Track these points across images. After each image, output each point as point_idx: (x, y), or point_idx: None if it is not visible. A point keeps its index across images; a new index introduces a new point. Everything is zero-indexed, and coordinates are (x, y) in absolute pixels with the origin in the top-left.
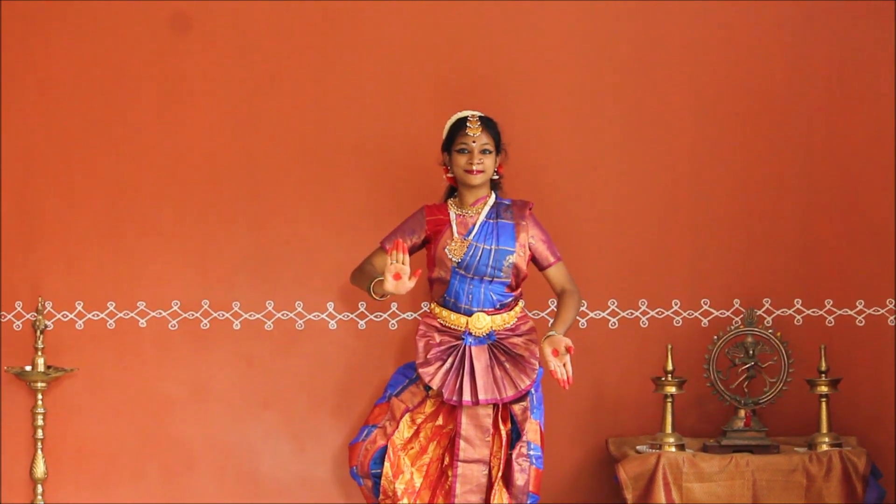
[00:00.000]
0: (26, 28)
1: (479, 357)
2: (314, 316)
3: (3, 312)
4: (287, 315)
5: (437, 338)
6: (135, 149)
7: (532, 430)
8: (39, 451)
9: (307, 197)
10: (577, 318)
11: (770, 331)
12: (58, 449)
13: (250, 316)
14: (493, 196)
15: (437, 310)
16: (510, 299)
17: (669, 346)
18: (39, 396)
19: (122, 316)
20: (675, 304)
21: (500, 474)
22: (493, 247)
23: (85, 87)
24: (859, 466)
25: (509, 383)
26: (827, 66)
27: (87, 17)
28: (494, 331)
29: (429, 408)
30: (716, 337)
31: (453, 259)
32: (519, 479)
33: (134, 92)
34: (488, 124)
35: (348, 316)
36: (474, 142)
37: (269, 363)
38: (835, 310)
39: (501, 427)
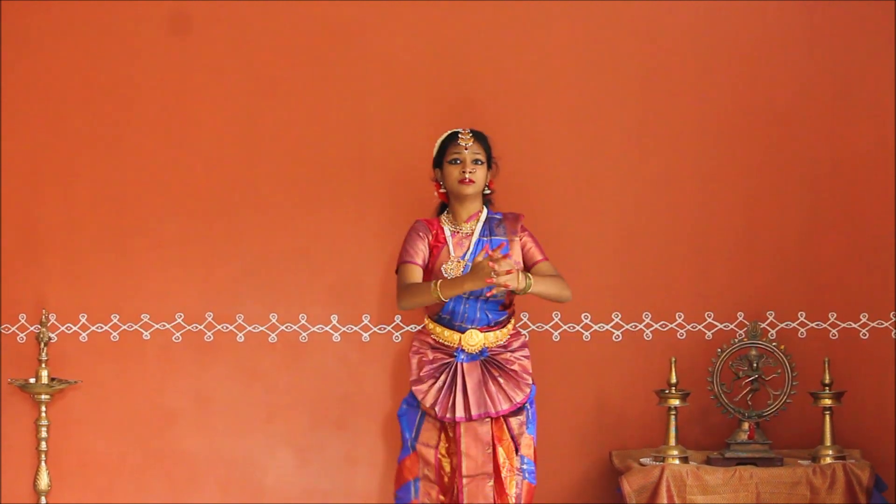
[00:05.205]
0: (26, 31)
1: (471, 373)
2: (318, 328)
3: (6, 324)
4: (291, 327)
5: (430, 355)
6: (138, 161)
7: (526, 445)
8: (43, 464)
9: (311, 209)
10: (581, 331)
11: (774, 344)
12: (61, 461)
13: (254, 328)
14: (486, 211)
15: (431, 325)
16: (504, 317)
17: (673, 359)
18: (43, 408)
19: (126, 328)
20: (679, 317)
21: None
22: None
23: (87, 101)
24: (863, 479)
25: (504, 397)
26: (830, 83)
27: (87, 23)
28: (487, 348)
29: (443, 444)
30: (720, 350)
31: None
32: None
33: (137, 105)
34: (479, 137)
35: (352, 328)
36: (466, 149)
37: (272, 375)
38: (838, 323)
39: (507, 438)
